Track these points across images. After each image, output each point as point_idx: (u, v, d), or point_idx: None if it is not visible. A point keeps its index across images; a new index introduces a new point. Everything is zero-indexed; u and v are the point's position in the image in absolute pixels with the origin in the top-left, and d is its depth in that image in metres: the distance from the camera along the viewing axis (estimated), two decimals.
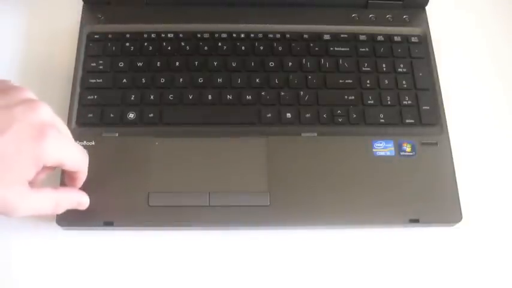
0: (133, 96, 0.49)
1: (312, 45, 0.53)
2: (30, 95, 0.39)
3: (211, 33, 0.53)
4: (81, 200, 0.44)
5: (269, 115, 0.49)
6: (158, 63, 0.51)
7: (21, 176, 0.37)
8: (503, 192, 0.50)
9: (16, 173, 0.37)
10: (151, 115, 0.49)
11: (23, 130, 0.36)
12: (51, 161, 0.38)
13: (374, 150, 0.48)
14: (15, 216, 0.38)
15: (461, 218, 0.46)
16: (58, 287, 0.45)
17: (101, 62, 0.50)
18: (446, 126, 0.50)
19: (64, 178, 0.44)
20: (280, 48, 0.52)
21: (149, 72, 0.51)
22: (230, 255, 0.46)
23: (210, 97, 0.50)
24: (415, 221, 0.46)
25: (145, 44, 0.52)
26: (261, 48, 0.52)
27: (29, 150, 0.36)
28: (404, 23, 0.55)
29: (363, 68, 0.52)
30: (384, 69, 0.52)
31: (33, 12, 0.56)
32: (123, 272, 0.45)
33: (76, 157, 0.41)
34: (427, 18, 0.55)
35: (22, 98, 0.38)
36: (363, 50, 0.53)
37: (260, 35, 0.53)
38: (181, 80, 0.50)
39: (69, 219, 0.45)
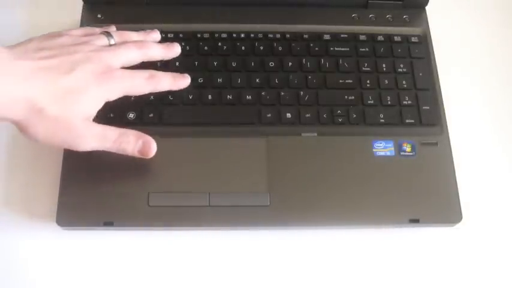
0: (133, 96, 0.49)
1: (312, 45, 0.52)
2: (110, 41, 0.45)
3: (211, 33, 0.53)
4: (146, 139, 0.44)
5: (269, 115, 0.49)
6: (158, 63, 0.51)
7: (88, 108, 0.42)
8: (503, 192, 0.50)
9: (83, 106, 0.41)
10: (151, 115, 0.49)
11: (93, 69, 0.42)
12: (114, 98, 0.43)
13: (374, 150, 0.48)
14: (81, 148, 0.41)
15: (461, 218, 0.46)
16: (58, 287, 0.45)
17: None
18: (446, 126, 0.50)
19: None
20: (280, 48, 0.52)
21: None
22: (230, 255, 0.46)
23: (210, 97, 0.50)
24: (415, 221, 0.46)
25: None
26: (261, 48, 0.52)
27: (95, 88, 0.41)
28: (404, 23, 0.55)
29: (363, 68, 0.52)
30: (384, 69, 0.52)
31: (33, 12, 0.56)
32: (123, 272, 0.45)
33: (137, 90, 0.45)
34: (427, 18, 0.55)
35: (101, 44, 0.45)
36: (363, 50, 0.53)
37: (260, 35, 0.53)
38: None
39: (69, 219, 0.45)
